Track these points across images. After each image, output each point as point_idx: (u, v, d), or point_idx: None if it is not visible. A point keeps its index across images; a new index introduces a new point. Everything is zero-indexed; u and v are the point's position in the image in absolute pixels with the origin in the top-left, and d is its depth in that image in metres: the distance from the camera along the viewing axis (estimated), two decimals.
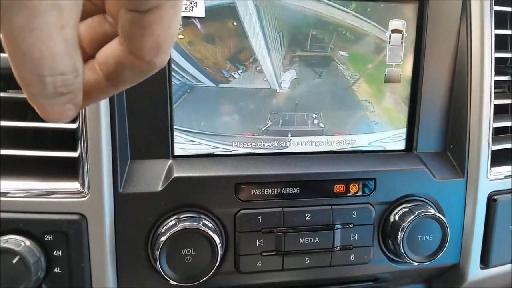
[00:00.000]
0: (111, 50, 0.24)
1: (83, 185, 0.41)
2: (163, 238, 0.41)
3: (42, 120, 0.41)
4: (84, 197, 0.41)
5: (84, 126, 0.40)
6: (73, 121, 0.41)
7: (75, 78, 0.22)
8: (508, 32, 0.52)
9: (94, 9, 0.25)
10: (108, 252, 0.42)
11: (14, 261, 0.38)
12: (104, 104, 0.40)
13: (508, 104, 0.54)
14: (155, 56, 0.23)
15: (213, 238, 0.42)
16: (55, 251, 0.41)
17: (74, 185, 0.41)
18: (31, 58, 0.20)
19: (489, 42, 0.49)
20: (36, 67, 0.20)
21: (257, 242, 0.45)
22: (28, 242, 0.40)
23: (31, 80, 0.21)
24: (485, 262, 0.53)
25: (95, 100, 0.26)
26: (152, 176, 0.43)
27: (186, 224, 0.42)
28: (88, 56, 0.25)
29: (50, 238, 0.40)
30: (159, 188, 0.43)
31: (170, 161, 0.45)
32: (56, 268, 0.41)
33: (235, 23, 0.44)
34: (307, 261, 0.47)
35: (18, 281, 0.38)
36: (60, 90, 0.21)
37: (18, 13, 0.18)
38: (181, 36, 0.44)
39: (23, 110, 0.43)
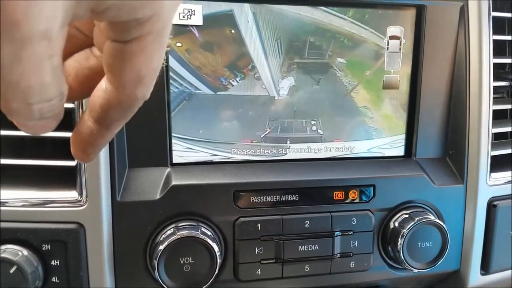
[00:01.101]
0: (96, 92, 0.24)
1: (80, 194, 0.40)
2: (161, 247, 0.41)
3: None
4: (82, 206, 0.40)
5: None
6: (71, 129, 0.40)
7: (60, 101, 0.22)
8: (506, 37, 0.52)
9: (84, 40, 0.25)
10: (106, 261, 0.42)
11: (11, 271, 0.38)
12: None
13: (507, 109, 0.54)
14: (135, 88, 0.23)
15: (212, 247, 0.42)
16: (53, 261, 0.41)
17: (72, 194, 0.41)
18: (18, 88, 0.19)
19: (487, 48, 0.49)
20: (24, 97, 0.19)
21: (256, 250, 0.45)
22: (25, 252, 0.40)
23: (17, 109, 0.20)
24: (485, 268, 0.52)
25: (97, 148, 0.27)
26: (150, 184, 0.43)
27: (185, 232, 0.41)
28: (73, 93, 0.25)
29: (48, 248, 0.40)
30: (157, 196, 0.42)
31: (168, 169, 0.45)
32: (54, 278, 0.41)
33: (233, 31, 0.44)
34: (306, 268, 0.46)
35: None
36: (46, 115, 0.21)
37: (8, 43, 0.17)
38: (179, 44, 0.44)
39: None
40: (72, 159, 0.41)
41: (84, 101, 0.40)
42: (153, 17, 0.21)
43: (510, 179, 0.52)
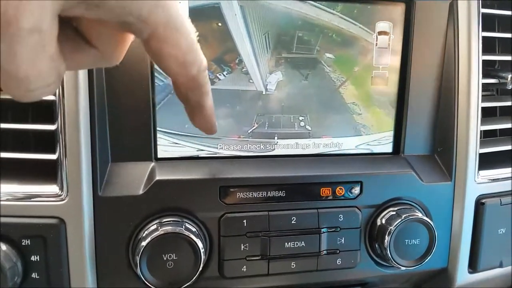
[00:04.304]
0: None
1: (61, 188, 0.40)
2: (144, 243, 0.40)
3: (21, 122, 0.41)
4: (62, 200, 0.40)
5: (63, 127, 0.39)
6: (52, 122, 0.40)
7: (59, 81, 0.23)
8: (496, 34, 0.52)
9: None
10: (88, 257, 0.41)
11: None
12: (84, 105, 0.40)
13: (496, 107, 0.54)
14: (185, 71, 0.26)
15: (196, 243, 0.41)
16: (33, 256, 0.40)
17: (53, 188, 0.40)
18: (18, 78, 0.20)
19: (476, 45, 0.48)
20: (24, 86, 0.21)
21: (242, 247, 0.44)
22: (4, 247, 0.39)
23: (20, 96, 0.21)
24: (473, 266, 0.52)
25: (207, 120, 0.32)
26: (134, 179, 0.42)
27: (168, 228, 0.41)
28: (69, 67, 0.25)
29: (28, 243, 0.39)
30: (141, 192, 0.42)
31: (152, 164, 0.44)
32: (33, 274, 0.40)
33: (219, 24, 0.44)
34: (293, 265, 0.46)
35: None
36: (46, 95, 0.23)
37: (2, 39, 0.19)
38: None
39: (4, 111, 0.42)
40: (53, 152, 0.40)
41: (65, 94, 0.39)
42: (152, 11, 0.22)
43: (497, 177, 0.51)
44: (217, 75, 0.45)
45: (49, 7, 0.19)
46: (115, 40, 0.25)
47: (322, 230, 0.46)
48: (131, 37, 0.26)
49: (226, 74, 0.45)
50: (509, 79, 0.51)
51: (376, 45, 0.48)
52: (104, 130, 0.42)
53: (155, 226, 0.41)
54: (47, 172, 0.41)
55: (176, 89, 0.28)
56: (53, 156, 0.40)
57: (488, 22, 0.51)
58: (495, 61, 0.54)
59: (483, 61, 0.49)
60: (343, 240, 0.47)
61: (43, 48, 0.20)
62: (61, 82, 0.24)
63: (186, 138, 0.46)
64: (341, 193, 0.47)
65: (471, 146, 0.49)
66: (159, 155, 0.45)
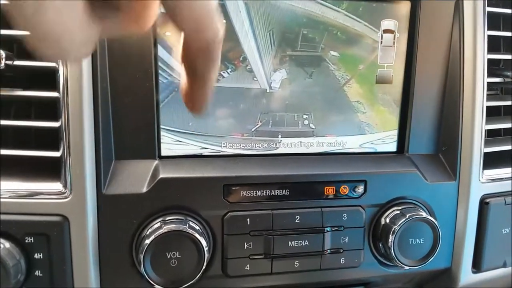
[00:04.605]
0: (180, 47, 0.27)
1: (65, 185, 0.39)
2: (147, 241, 0.40)
3: (24, 119, 0.40)
4: (66, 198, 0.39)
5: (66, 125, 0.39)
6: (56, 119, 0.39)
7: (91, 46, 0.23)
8: (501, 33, 0.52)
9: None
10: (91, 255, 0.41)
11: None
12: (88, 103, 0.39)
13: (500, 106, 0.54)
14: (201, 34, 0.25)
15: (200, 241, 0.41)
16: (36, 254, 0.39)
17: (56, 186, 0.40)
18: (46, 38, 0.20)
19: (482, 44, 0.48)
20: (55, 45, 0.21)
21: (245, 245, 0.44)
22: (7, 244, 0.38)
23: (51, 54, 0.22)
24: (477, 266, 0.52)
25: (202, 100, 0.30)
26: (137, 177, 0.42)
27: (172, 226, 0.40)
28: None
29: (31, 240, 0.39)
30: (144, 190, 0.41)
31: (156, 162, 0.44)
32: (37, 271, 0.40)
33: (224, 21, 0.43)
34: (296, 264, 0.46)
35: None
36: (79, 58, 0.23)
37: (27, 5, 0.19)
38: (168, 33, 0.43)
39: (6, 109, 0.42)
40: (54, 149, 0.40)
41: (69, 91, 0.39)
42: None
43: (502, 176, 0.51)
44: (221, 72, 0.45)
45: None
46: (143, 3, 0.25)
47: (326, 229, 0.46)
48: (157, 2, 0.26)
49: (230, 71, 0.45)
50: None
51: (381, 43, 0.47)
52: (108, 128, 0.41)
53: (158, 224, 0.41)
54: (48, 170, 0.41)
55: (185, 55, 0.27)
56: (56, 154, 0.39)
57: (493, 21, 0.50)
58: (499, 60, 0.54)
59: (488, 59, 0.49)
60: (347, 239, 0.46)
61: (72, 8, 0.20)
62: (94, 47, 0.24)
63: (190, 136, 0.45)
64: (345, 192, 0.46)
65: (476, 145, 0.49)
66: (163, 153, 0.45)
